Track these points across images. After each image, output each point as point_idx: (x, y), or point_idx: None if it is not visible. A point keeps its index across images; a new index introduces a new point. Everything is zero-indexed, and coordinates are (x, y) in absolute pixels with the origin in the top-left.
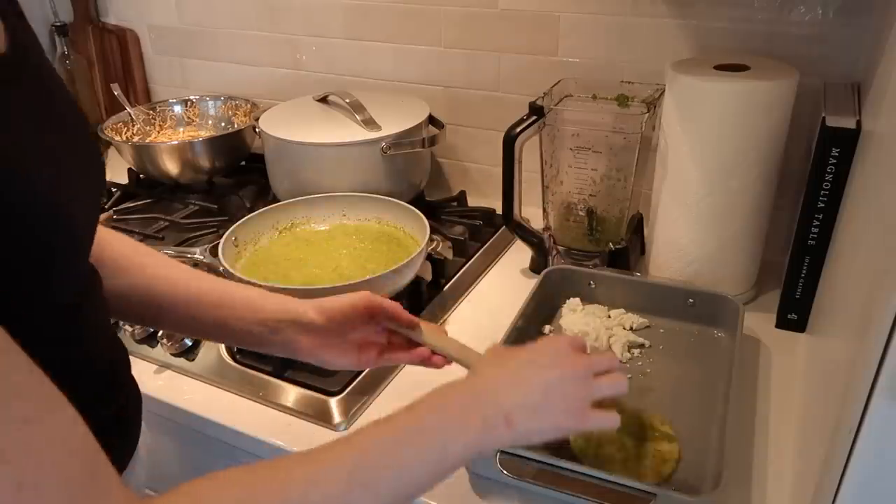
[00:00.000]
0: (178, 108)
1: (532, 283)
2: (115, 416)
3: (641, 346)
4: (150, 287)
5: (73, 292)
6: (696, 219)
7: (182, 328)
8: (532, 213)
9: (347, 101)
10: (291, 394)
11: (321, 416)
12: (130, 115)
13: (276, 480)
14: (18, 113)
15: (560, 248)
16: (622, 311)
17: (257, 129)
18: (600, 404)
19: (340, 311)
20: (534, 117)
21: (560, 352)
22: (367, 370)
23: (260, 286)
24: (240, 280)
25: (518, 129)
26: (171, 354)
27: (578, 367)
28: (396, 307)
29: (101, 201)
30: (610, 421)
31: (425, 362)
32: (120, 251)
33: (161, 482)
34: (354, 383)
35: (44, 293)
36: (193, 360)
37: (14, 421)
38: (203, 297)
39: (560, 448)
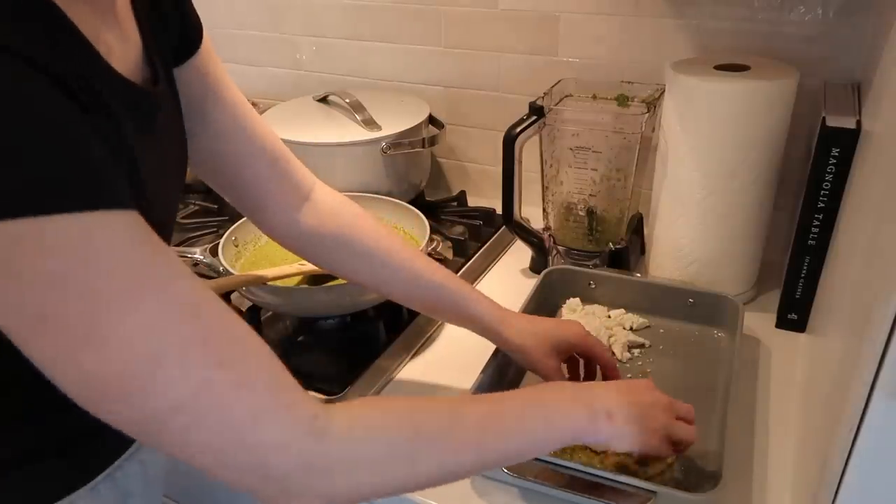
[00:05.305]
0: None
1: (532, 283)
2: None
3: (641, 346)
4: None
5: None
6: (696, 219)
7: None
8: (532, 213)
9: (347, 101)
10: None
11: None
12: None
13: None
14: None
15: (560, 248)
16: (622, 311)
17: None
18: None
19: (543, 338)
20: (534, 117)
21: (650, 386)
22: (365, 372)
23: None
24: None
25: (518, 129)
26: None
27: (667, 402)
28: (602, 353)
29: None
30: (672, 454)
31: None
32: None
33: (159, 482)
34: (355, 384)
35: None
36: None
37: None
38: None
39: None
